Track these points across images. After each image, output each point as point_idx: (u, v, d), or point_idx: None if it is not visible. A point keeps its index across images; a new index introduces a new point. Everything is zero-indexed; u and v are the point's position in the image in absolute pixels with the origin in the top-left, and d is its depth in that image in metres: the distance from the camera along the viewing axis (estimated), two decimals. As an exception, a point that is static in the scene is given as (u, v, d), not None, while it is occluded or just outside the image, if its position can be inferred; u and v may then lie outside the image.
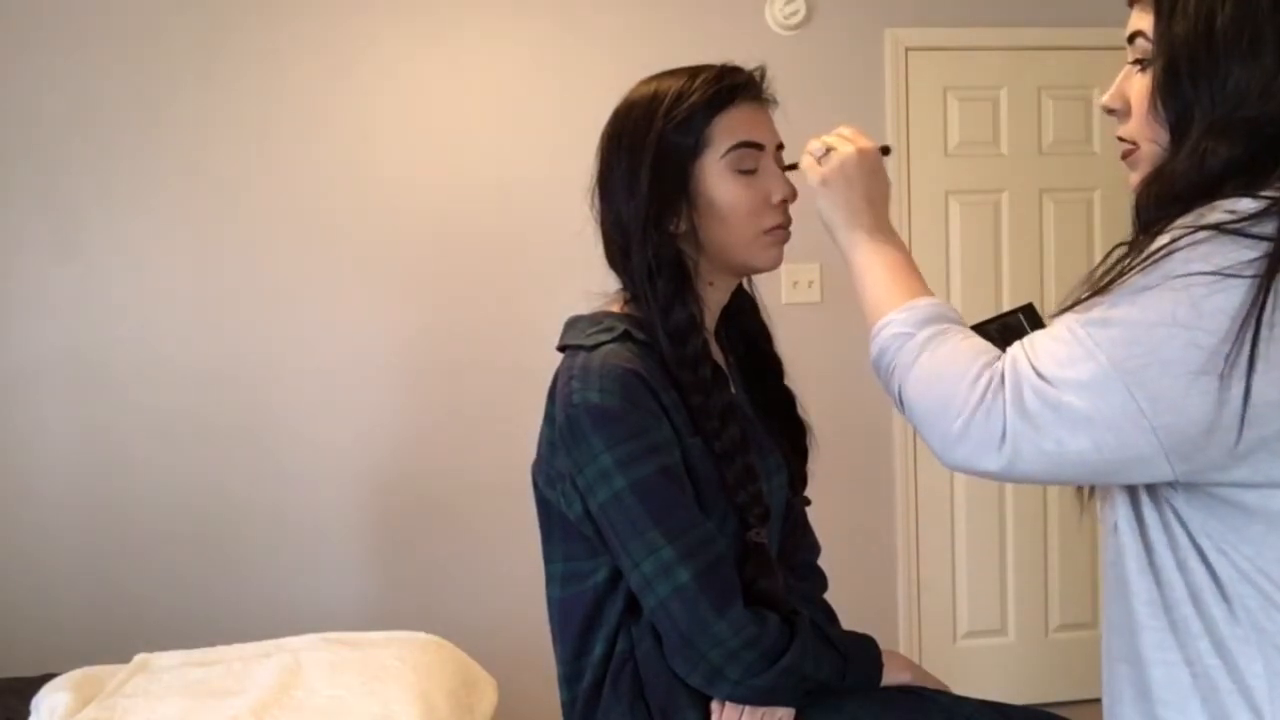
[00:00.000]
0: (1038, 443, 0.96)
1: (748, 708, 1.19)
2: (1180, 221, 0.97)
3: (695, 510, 1.19)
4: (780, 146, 1.33)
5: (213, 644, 2.26)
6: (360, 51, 3.04)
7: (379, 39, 3.04)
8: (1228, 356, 0.91)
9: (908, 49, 3.24)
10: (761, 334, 1.45)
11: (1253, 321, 0.91)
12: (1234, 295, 0.92)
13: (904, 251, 1.20)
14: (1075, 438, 0.95)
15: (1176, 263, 0.94)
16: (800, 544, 1.45)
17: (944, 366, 1.03)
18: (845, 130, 1.25)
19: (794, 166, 1.30)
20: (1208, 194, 0.98)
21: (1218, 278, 0.92)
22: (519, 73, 3.10)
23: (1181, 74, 1.00)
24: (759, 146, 1.29)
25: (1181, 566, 1.01)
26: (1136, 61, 1.06)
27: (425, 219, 3.06)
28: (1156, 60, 1.02)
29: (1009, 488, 3.33)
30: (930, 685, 1.30)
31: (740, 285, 1.40)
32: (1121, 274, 0.98)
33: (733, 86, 1.29)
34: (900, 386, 1.07)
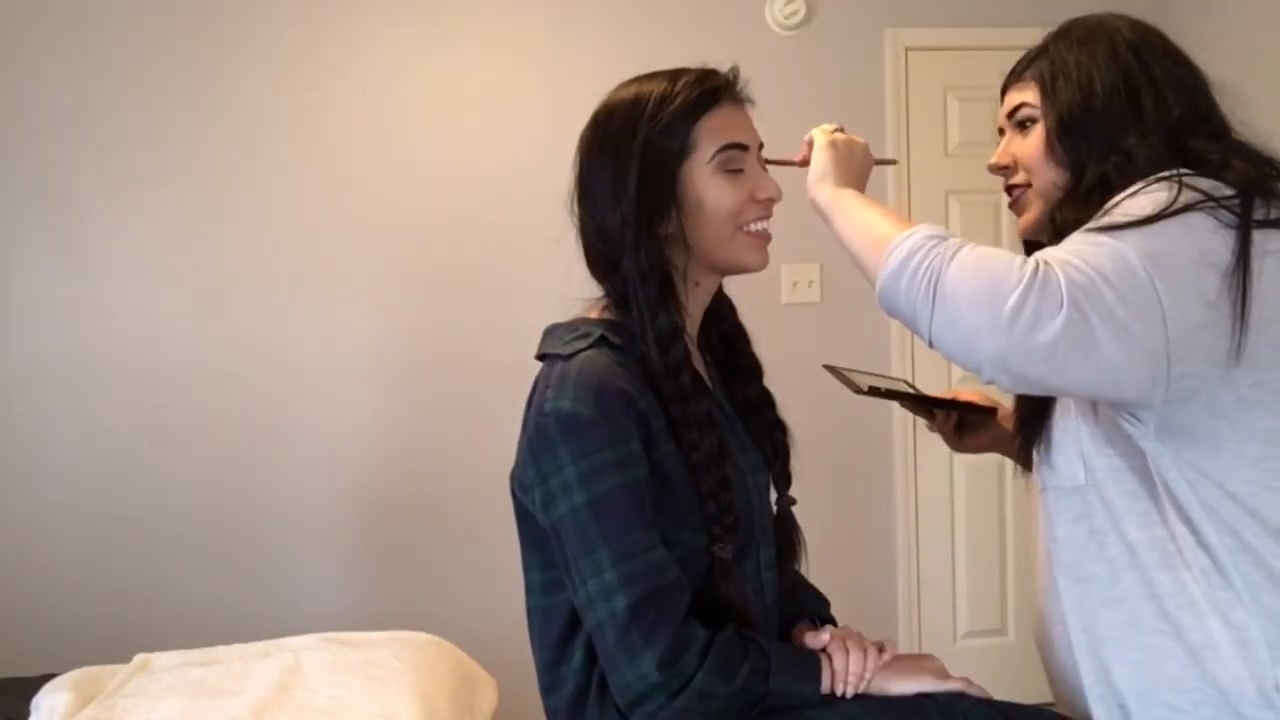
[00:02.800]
0: (1099, 306, 1.04)
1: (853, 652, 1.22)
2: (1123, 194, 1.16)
3: (650, 533, 1.18)
4: (761, 145, 1.34)
5: (213, 644, 2.26)
6: (357, 53, 3.04)
7: (375, 41, 3.04)
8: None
9: (908, 49, 3.24)
10: (739, 334, 1.45)
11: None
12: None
13: None
14: (1121, 305, 1.04)
15: (1162, 196, 1.12)
16: (792, 540, 1.45)
17: (989, 255, 1.09)
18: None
19: (797, 163, 1.38)
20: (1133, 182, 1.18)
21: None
22: (516, 73, 3.10)
23: (1075, 122, 1.25)
24: (744, 147, 1.30)
25: (1174, 502, 1.14)
26: (1019, 126, 1.33)
27: (425, 219, 3.06)
28: (1048, 118, 1.28)
29: (1009, 488, 3.33)
30: (954, 686, 1.26)
31: (719, 287, 1.40)
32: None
33: (714, 89, 1.29)
34: (937, 278, 1.09)
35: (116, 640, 2.53)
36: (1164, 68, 1.24)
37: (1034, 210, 1.32)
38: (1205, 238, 1.09)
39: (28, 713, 1.98)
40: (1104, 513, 1.19)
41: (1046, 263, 1.07)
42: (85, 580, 2.94)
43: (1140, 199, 1.13)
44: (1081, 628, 1.22)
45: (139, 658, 2.20)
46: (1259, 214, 1.11)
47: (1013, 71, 1.36)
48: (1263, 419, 1.12)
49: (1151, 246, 1.07)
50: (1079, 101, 1.25)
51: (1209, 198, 1.11)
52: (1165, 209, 1.09)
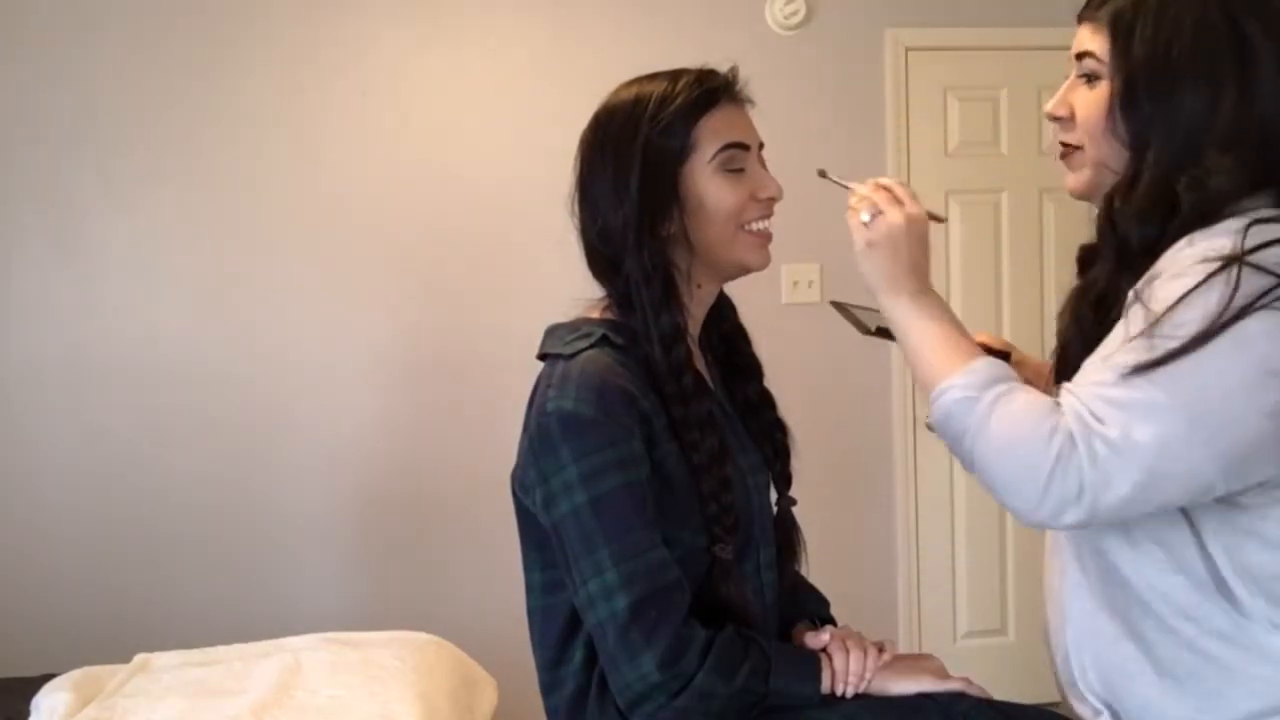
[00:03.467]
0: (1114, 489, 1.01)
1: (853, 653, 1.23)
2: (1190, 254, 1.04)
3: (651, 533, 1.18)
4: (761, 145, 1.34)
5: (213, 644, 2.26)
6: (357, 53, 3.04)
7: (375, 41, 3.04)
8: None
9: (908, 49, 3.24)
10: (739, 334, 1.46)
11: None
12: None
13: (948, 312, 1.20)
14: (1149, 476, 1.00)
15: (1213, 300, 1.00)
16: (792, 540, 1.45)
17: (1015, 431, 1.05)
18: (895, 189, 1.22)
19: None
20: (1204, 217, 1.06)
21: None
22: (517, 74, 3.10)
23: (1140, 95, 1.10)
24: (745, 147, 1.30)
25: (1204, 557, 1.10)
26: (1083, 76, 1.16)
27: (426, 218, 3.06)
28: (1114, 80, 1.12)
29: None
30: (954, 686, 1.26)
31: (721, 288, 1.40)
32: (1152, 316, 1.03)
33: (714, 89, 1.30)
34: (971, 451, 1.08)
35: (116, 640, 2.53)
36: (1259, 32, 1.07)
37: (1085, 175, 1.21)
38: (1262, 345, 0.99)
39: (28, 713, 1.98)
40: (1122, 553, 1.15)
41: (1073, 441, 1.01)
42: (85, 580, 2.94)
43: (1193, 305, 1.01)
44: (1089, 661, 1.21)
45: (139, 658, 2.20)
46: None
47: (1090, 2, 1.17)
48: None
49: (1199, 393, 0.99)
50: (1151, 65, 1.08)
51: (1273, 281, 1.00)
52: (1214, 324, 0.99)
